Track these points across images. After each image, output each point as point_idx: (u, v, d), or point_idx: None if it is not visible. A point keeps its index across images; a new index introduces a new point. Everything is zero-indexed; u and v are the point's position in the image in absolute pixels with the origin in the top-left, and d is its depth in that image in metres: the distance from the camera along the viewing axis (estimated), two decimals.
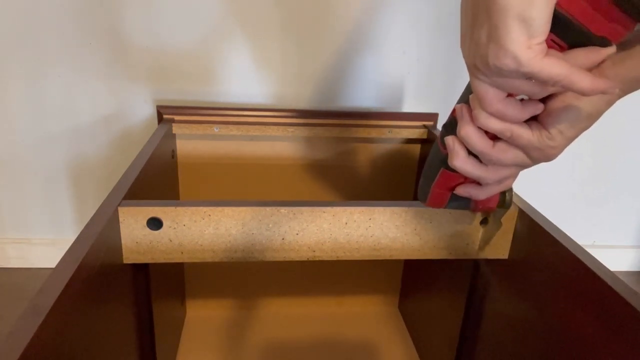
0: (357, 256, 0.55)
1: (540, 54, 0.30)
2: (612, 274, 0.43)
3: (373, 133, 0.89)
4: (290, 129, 0.86)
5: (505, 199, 0.50)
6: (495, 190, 0.44)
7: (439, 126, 0.91)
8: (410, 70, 0.97)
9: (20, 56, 0.90)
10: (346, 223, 0.53)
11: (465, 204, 0.48)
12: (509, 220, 0.56)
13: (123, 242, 0.51)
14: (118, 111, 0.95)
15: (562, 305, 0.48)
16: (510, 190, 0.49)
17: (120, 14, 0.88)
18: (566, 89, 0.31)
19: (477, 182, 0.44)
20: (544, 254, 0.51)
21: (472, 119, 0.37)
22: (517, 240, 0.56)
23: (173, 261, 0.53)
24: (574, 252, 0.47)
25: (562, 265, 0.48)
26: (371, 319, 1.00)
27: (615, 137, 1.09)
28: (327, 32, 0.91)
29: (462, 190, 0.45)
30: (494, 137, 0.38)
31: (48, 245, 1.08)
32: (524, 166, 0.40)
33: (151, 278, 0.62)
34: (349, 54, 0.94)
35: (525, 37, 0.29)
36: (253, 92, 0.95)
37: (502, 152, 0.38)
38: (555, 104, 0.35)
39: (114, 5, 0.87)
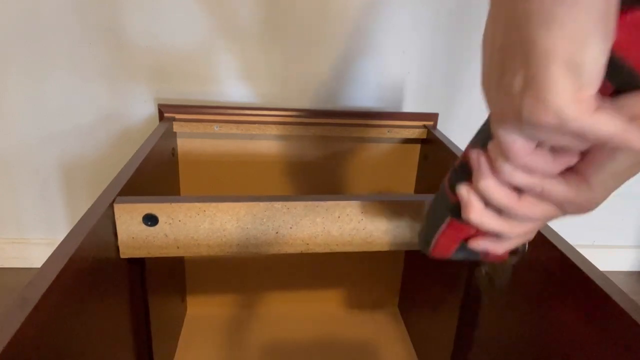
0: (349, 248, 0.55)
1: (590, 108, 0.24)
2: (602, 274, 0.43)
3: (373, 133, 0.89)
4: (290, 128, 0.87)
5: (517, 249, 0.43)
6: (515, 243, 0.38)
7: (439, 126, 0.91)
8: (410, 70, 0.97)
9: (20, 56, 0.91)
10: (339, 217, 0.53)
11: (475, 255, 0.42)
12: None
13: (119, 237, 0.52)
14: (118, 111, 0.96)
15: (553, 306, 0.48)
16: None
17: (121, 13, 0.88)
18: (617, 147, 0.26)
19: (492, 234, 0.38)
20: (536, 255, 0.51)
21: (493, 170, 0.32)
22: None
23: (169, 255, 0.53)
24: (565, 252, 0.47)
25: (553, 266, 0.48)
26: (371, 318, 1.00)
27: None
28: (327, 32, 0.92)
29: (477, 245, 0.39)
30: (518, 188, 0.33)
31: (47, 245, 1.09)
32: (554, 219, 0.34)
33: (148, 273, 0.63)
34: (349, 54, 0.94)
35: (573, 89, 0.24)
36: (253, 92, 0.96)
37: (530, 207, 0.32)
38: (598, 152, 0.29)
39: (114, 5, 0.88)
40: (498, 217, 0.34)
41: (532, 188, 0.31)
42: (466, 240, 0.40)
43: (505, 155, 0.30)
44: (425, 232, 0.44)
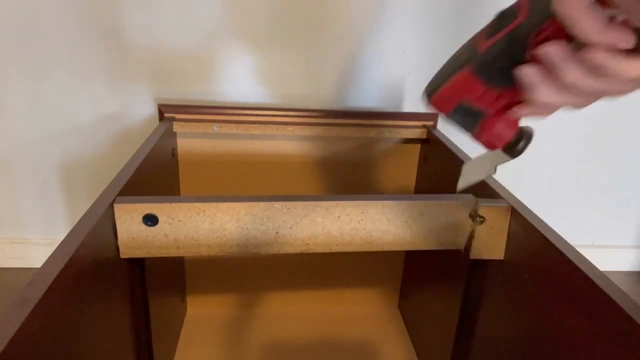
0: (349, 248, 0.55)
1: None
2: (602, 275, 0.43)
3: (373, 133, 0.89)
4: (290, 128, 0.87)
5: (516, 146, 0.41)
6: (555, 109, 0.36)
7: (439, 126, 0.91)
8: (410, 70, 0.97)
9: (20, 56, 0.91)
10: (339, 217, 0.53)
11: (471, 124, 0.41)
12: (502, 220, 0.56)
13: (119, 237, 0.52)
14: (118, 111, 0.96)
15: (554, 306, 0.48)
16: (529, 138, 0.41)
17: (121, 13, 0.88)
18: None
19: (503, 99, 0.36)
20: (536, 254, 0.51)
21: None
22: (511, 240, 0.56)
23: (169, 255, 0.53)
24: (564, 252, 0.46)
25: (553, 265, 0.48)
26: (371, 318, 0.99)
27: (615, 137, 1.09)
28: (328, 32, 0.92)
29: (524, 112, 0.37)
30: None
31: (47, 245, 1.09)
32: (622, 95, 0.33)
33: (148, 273, 0.63)
34: (349, 53, 0.94)
35: None
36: (253, 92, 0.96)
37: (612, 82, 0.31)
38: None
39: (114, 5, 0.88)
40: (563, 89, 0.33)
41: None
42: (468, 101, 0.39)
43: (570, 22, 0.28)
44: (435, 79, 0.42)
